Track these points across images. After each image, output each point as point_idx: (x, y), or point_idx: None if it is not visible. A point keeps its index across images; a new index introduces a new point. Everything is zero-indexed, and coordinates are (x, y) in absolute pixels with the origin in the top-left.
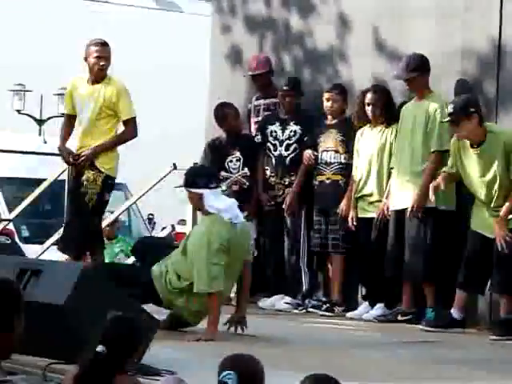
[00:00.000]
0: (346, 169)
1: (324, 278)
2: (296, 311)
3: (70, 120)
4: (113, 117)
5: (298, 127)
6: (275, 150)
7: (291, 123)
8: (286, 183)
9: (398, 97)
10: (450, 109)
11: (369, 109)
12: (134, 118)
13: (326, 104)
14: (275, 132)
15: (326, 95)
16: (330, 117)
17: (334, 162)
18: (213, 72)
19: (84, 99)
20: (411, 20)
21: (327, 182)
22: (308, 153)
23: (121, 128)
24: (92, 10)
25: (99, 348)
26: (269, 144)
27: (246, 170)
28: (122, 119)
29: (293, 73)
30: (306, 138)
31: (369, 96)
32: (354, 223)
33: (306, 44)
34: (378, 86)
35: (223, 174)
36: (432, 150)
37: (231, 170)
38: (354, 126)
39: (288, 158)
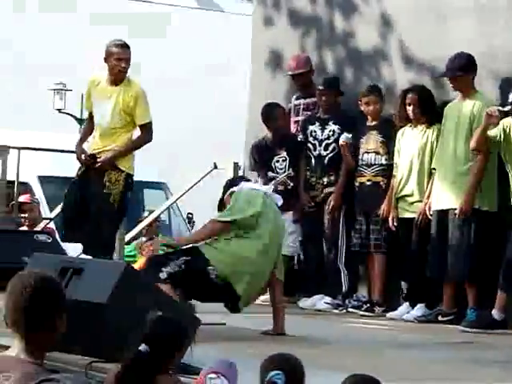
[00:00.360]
0: (387, 170)
1: (364, 278)
2: (336, 311)
3: (92, 119)
4: (129, 120)
5: (337, 127)
6: (314, 150)
7: (330, 123)
8: (325, 183)
9: (441, 96)
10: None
11: (410, 109)
12: (150, 122)
13: (365, 108)
14: (315, 132)
15: (364, 99)
16: (370, 118)
17: (375, 164)
18: (254, 71)
19: (102, 99)
20: (453, 20)
21: (368, 183)
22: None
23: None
24: (131, 9)
25: (142, 347)
26: (309, 144)
27: (290, 170)
28: (138, 124)
29: (334, 72)
30: (348, 137)
31: (410, 96)
32: (395, 224)
33: (348, 43)
34: (419, 86)
35: (270, 174)
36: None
37: (277, 170)
38: (395, 126)
39: (327, 158)
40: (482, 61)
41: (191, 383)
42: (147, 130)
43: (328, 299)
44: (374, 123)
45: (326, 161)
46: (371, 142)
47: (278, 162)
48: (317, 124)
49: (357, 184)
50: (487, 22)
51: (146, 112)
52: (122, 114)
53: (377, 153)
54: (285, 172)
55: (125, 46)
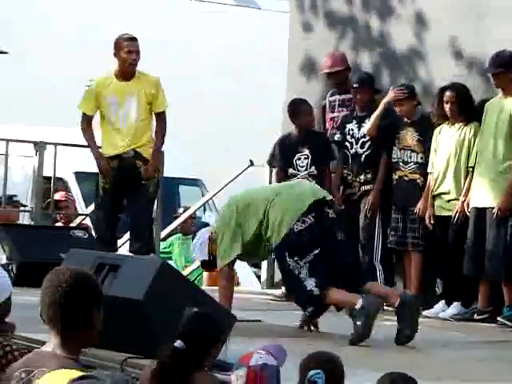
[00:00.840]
0: (423, 168)
1: (400, 276)
2: None
3: (89, 121)
4: (149, 109)
5: None
6: (351, 148)
7: (367, 120)
8: (362, 181)
9: (479, 94)
10: None
11: (447, 106)
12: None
13: (398, 108)
14: (352, 130)
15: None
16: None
17: (411, 162)
18: (290, 70)
19: (122, 97)
20: (490, 20)
21: (406, 179)
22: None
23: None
24: (168, 5)
25: (178, 343)
26: (346, 142)
27: (313, 168)
28: (157, 111)
29: (371, 72)
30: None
31: (447, 94)
32: (432, 221)
33: (384, 44)
34: (457, 84)
35: (290, 171)
36: None
37: (299, 167)
38: (432, 124)
39: (363, 156)
40: None
41: (227, 380)
42: (164, 117)
43: None
44: (410, 120)
45: (362, 159)
46: (408, 139)
47: (299, 159)
48: (354, 122)
49: (396, 177)
50: None
51: (164, 99)
52: (147, 107)
53: (412, 150)
54: (306, 170)
55: (134, 39)
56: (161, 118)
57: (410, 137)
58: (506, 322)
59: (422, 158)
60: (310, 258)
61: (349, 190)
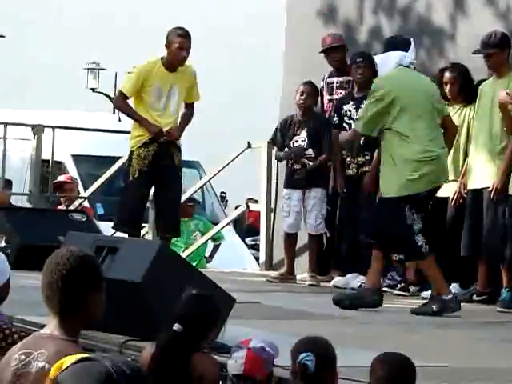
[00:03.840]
0: None
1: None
2: None
3: (126, 100)
4: (182, 101)
5: None
6: (349, 130)
7: (364, 101)
8: (360, 162)
9: (480, 75)
10: None
11: (447, 88)
12: None
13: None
14: (349, 111)
15: None
16: None
17: None
18: (287, 51)
19: (166, 86)
20: None
21: None
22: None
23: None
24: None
25: (176, 326)
26: (344, 124)
27: (310, 150)
28: (191, 101)
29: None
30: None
31: (447, 75)
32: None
33: (376, 24)
34: (456, 65)
35: (286, 150)
36: None
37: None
38: None
39: (362, 137)
40: None
41: (226, 362)
42: (193, 108)
43: (362, 278)
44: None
45: (361, 140)
46: None
47: (296, 141)
48: (351, 103)
49: None
50: None
51: (198, 92)
52: (183, 98)
53: None
54: None
55: (188, 36)
56: (191, 108)
57: None
58: (503, 309)
59: None
60: (421, 216)
61: (347, 172)
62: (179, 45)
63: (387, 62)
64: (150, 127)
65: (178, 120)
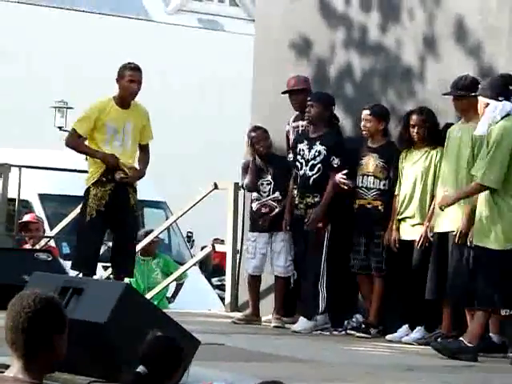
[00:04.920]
0: (385, 195)
1: (360, 300)
2: (336, 332)
3: (79, 139)
4: (137, 139)
5: (323, 147)
6: (301, 169)
7: (317, 143)
8: (309, 204)
9: (448, 118)
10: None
11: (414, 130)
12: None
13: (362, 124)
14: (303, 150)
15: (362, 114)
16: (370, 139)
17: (373, 188)
18: (255, 87)
19: (120, 123)
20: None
21: (368, 206)
22: (340, 177)
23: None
24: (135, 27)
25: (140, 368)
26: (297, 162)
27: (277, 194)
28: (145, 142)
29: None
30: (336, 162)
31: (414, 117)
32: (397, 245)
33: (347, 63)
34: (423, 108)
35: (254, 194)
36: (475, 179)
37: (261, 192)
38: (397, 151)
39: (311, 179)
40: None
41: None
42: (148, 149)
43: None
44: (375, 145)
45: (310, 181)
46: (371, 166)
47: (262, 185)
48: (305, 142)
49: (356, 206)
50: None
51: (152, 132)
52: (138, 136)
53: (375, 177)
54: (268, 196)
55: (138, 70)
56: (146, 149)
57: (373, 163)
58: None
59: (384, 185)
60: None
61: (295, 211)
62: (130, 77)
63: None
64: (106, 157)
65: (136, 158)
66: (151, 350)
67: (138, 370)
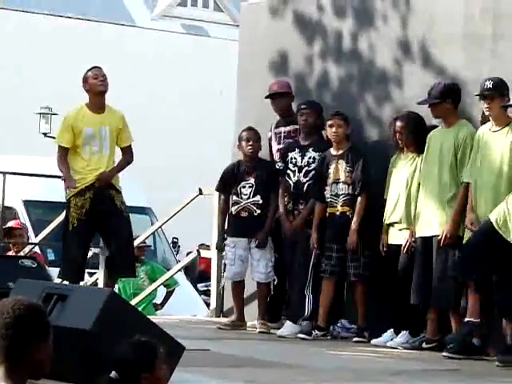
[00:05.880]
0: (353, 200)
1: (346, 305)
2: (322, 338)
3: (66, 153)
4: (115, 142)
5: (317, 154)
6: (294, 177)
7: (310, 149)
8: (301, 210)
9: (431, 122)
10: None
11: (396, 136)
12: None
13: (330, 130)
14: (295, 158)
15: (329, 122)
16: (335, 145)
17: (342, 194)
18: (240, 96)
19: (96, 128)
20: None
21: (338, 213)
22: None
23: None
24: (120, 34)
25: (112, 374)
26: (288, 171)
27: (257, 197)
28: (125, 145)
29: (320, 96)
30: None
31: (397, 124)
32: (385, 249)
33: (329, 71)
34: (407, 114)
35: (234, 198)
36: (462, 180)
37: (242, 195)
38: (360, 155)
39: (306, 185)
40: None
41: None
42: (131, 151)
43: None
44: (340, 152)
45: (304, 188)
46: (340, 172)
47: (244, 187)
48: (297, 150)
49: (327, 215)
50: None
51: (130, 134)
52: (115, 139)
53: (345, 182)
54: (249, 198)
55: (97, 67)
56: (127, 151)
57: (342, 169)
58: (451, 355)
59: (352, 190)
60: None
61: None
62: (93, 75)
63: None
64: (66, 183)
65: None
66: (123, 355)
67: (111, 375)
